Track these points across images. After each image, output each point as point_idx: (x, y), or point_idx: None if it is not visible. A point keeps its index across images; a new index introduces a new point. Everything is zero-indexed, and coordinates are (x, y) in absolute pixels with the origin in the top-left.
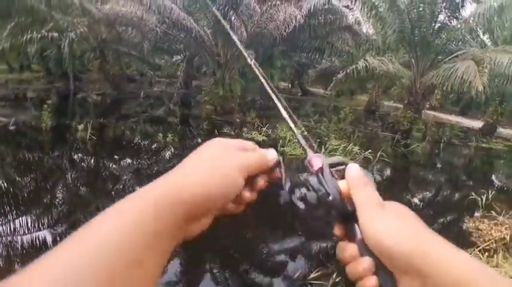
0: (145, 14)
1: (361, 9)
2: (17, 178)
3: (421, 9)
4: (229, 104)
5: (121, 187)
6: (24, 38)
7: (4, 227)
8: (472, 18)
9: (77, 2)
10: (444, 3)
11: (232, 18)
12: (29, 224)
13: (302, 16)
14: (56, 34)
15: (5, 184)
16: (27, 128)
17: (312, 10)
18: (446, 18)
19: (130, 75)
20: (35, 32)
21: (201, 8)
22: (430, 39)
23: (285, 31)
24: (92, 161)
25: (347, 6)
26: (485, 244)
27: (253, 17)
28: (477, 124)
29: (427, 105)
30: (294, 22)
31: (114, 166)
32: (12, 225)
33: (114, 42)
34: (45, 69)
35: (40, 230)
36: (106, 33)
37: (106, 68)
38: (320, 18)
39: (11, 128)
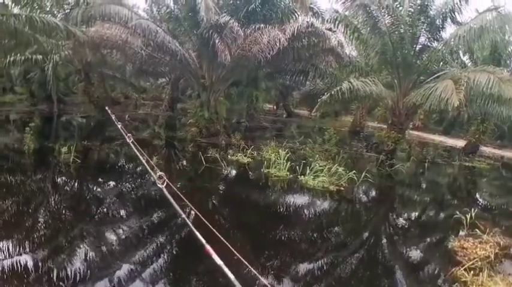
0: (130, 37)
1: (343, 31)
2: None
3: (402, 31)
4: (215, 126)
5: (105, 210)
6: (8, 60)
7: None
8: (452, 40)
9: (61, 25)
10: (424, 25)
11: (216, 41)
12: (10, 249)
13: (286, 39)
14: (40, 56)
15: None
16: (9, 150)
17: (295, 33)
18: (427, 40)
19: (115, 97)
20: (18, 55)
21: (186, 31)
22: (411, 61)
23: (269, 54)
24: (76, 184)
25: (330, 29)
26: (471, 263)
27: (237, 40)
28: (460, 143)
29: (411, 126)
30: (278, 45)
31: (98, 189)
32: None
33: (99, 65)
34: (28, 92)
35: (21, 255)
36: (91, 56)
37: (91, 91)
38: (304, 40)
39: None
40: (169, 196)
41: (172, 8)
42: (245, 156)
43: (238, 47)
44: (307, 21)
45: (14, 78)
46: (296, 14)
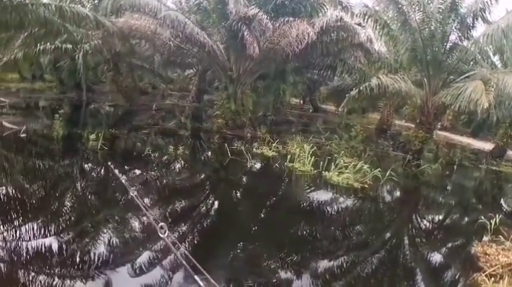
0: (159, 28)
1: (373, 27)
2: (26, 185)
3: (432, 28)
4: (241, 118)
5: (129, 197)
6: (38, 48)
7: (10, 232)
8: (481, 39)
9: (91, 15)
10: (455, 23)
11: (245, 33)
12: (35, 231)
13: (314, 33)
14: (69, 46)
15: (14, 190)
16: (38, 136)
17: (324, 27)
18: (458, 38)
19: (143, 87)
20: (48, 43)
21: (214, 23)
22: (441, 59)
23: (297, 47)
24: (102, 170)
25: (359, 24)
26: (492, 269)
27: (266, 33)
28: (488, 146)
29: (439, 126)
30: (306, 39)
31: (123, 176)
32: (18, 231)
33: (128, 55)
34: (58, 80)
35: (46, 237)
36: (120, 46)
37: (119, 80)
38: (332, 35)
39: (22, 135)
40: None
41: (201, 0)
42: (270, 149)
43: (266, 40)
44: (337, 16)
45: (43, 66)
46: (325, 8)
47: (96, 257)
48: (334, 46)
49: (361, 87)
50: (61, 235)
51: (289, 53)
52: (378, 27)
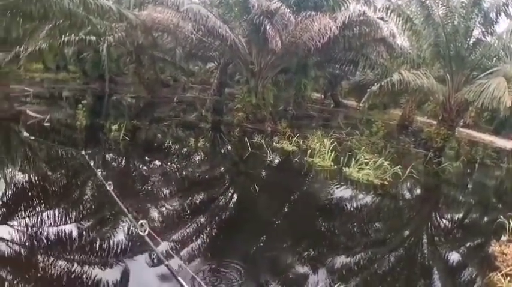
0: (182, 21)
1: (396, 21)
2: (49, 173)
3: (456, 23)
4: (261, 112)
5: (149, 188)
6: (62, 40)
7: (32, 218)
8: (504, 35)
9: (115, 8)
10: (478, 18)
11: (267, 27)
12: (56, 217)
13: (337, 27)
14: (93, 38)
15: (37, 177)
16: (61, 125)
17: (346, 21)
18: (481, 33)
19: (165, 80)
20: (72, 35)
21: (237, 17)
22: (465, 55)
23: (319, 42)
24: (123, 161)
25: (382, 18)
26: (509, 269)
27: (288, 27)
28: (510, 145)
29: (461, 123)
30: (328, 33)
31: (144, 167)
32: (40, 217)
33: (150, 48)
34: (81, 71)
35: (67, 223)
36: (142, 38)
37: (141, 72)
38: (355, 29)
39: (46, 124)
40: None
41: None
42: (290, 144)
43: (288, 34)
44: (359, 10)
45: (67, 57)
46: (347, 2)
47: (115, 246)
48: (357, 41)
49: (382, 83)
50: (79, 222)
51: (311, 48)
52: (400, 21)
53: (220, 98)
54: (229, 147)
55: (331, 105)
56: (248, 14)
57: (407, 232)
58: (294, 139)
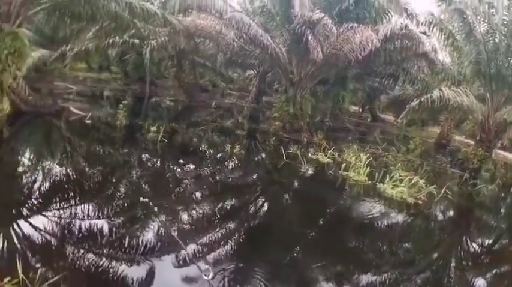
0: (224, 29)
1: (438, 36)
2: (86, 168)
3: (497, 40)
4: (298, 122)
5: (181, 190)
6: (107, 41)
7: (66, 210)
8: None
9: (159, 13)
10: None
11: (309, 37)
12: (89, 212)
13: (378, 40)
14: (137, 41)
15: (73, 172)
16: (101, 123)
17: (388, 34)
18: None
19: (204, 85)
20: (117, 37)
21: (278, 26)
22: (505, 74)
23: (360, 54)
24: (159, 162)
25: (424, 33)
26: None
27: (329, 38)
28: None
29: (499, 144)
30: (369, 46)
31: (178, 169)
32: (73, 210)
33: (191, 53)
34: (123, 72)
35: (98, 218)
36: (184, 43)
37: (181, 77)
38: (396, 43)
39: (87, 121)
40: None
41: (266, 2)
42: (325, 156)
43: (329, 45)
44: (401, 23)
45: (110, 58)
46: (390, 15)
47: (143, 243)
48: (398, 55)
49: (422, 99)
50: (111, 218)
51: (352, 60)
52: (442, 36)
53: (257, 106)
54: (264, 155)
55: (369, 119)
56: (290, 23)
57: (436, 255)
58: (329, 151)
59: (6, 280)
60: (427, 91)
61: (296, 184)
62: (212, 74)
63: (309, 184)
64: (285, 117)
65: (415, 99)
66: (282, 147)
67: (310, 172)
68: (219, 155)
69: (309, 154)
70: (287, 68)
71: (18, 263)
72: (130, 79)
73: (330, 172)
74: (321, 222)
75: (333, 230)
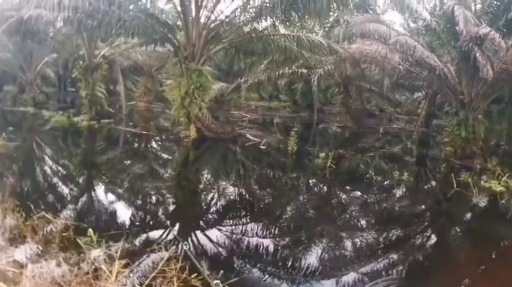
0: (389, 53)
1: None
2: (259, 190)
3: None
4: (471, 147)
5: (347, 216)
6: (277, 72)
7: (237, 227)
8: None
9: (325, 42)
10: None
11: (477, 54)
12: (258, 231)
13: None
14: (304, 70)
15: (246, 193)
16: (274, 149)
17: None
18: None
19: (371, 110)
20: (286, 68)
21: (444, 44)
22: None
23: None
24: (326, 187)
25: None
26: None
27: (499, 52)
28: None
29: None
30: None
31: (345, 195)
32: (243, 228)
33: (357, 79)
34: (291, 100)
35: (265, 237)
36: (350, 70)
37: (348, 103)
38: None
39: (262, 147)
40: None
41: (429, 20)
42: (498, 184)
43: (499, 60)
44: None
45: (280, 87)
46: None
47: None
48: None
49: None
50: (277, 238)
51: None
52: None
53: (427, 130)
54: (433, 183)
55: None
56: (456, 40)
57: None
58: (503, 179)
59: (193, 275)
60: None
61: (466, 215)
62: (378, 98)
63: (479, 216)
64: (456, 141)
65: None
66: (452, 174)
67: (481, 202)
68: (386, 182)
69: (482, 182)
70: (456, 88)
71: (201, 264)
72: (299, 107)
73: (503, 202)
74: (493, 265)
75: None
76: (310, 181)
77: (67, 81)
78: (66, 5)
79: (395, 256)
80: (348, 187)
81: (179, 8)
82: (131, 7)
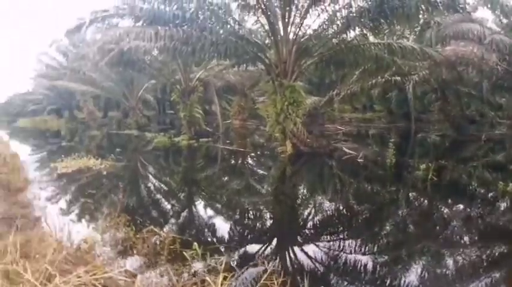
0: (486, 53)
1: None
2: (356, 205)
3: None
4: None
5: (450, 232)
6: (370, 82)
7: (335, 243)
8: None
9: (417, 47)
10: None
11: None
12: (355, 247)
13: None
14: (398, 78)
15: (344, 208)
16: (372, 162)
17: None
18: None
19: (470, 116)
20: (379, 77)
21: None
22: None
23: None
24: (427, 201)
25: None
26: None
27: None
28: None
29: None
30: None
31: (446, 209)
32: (341, 243)
33: (455, 83)
34: (386, 110)
35: (364, 254)
36: (446, 74)
37: (446, 109)
38: None
39: (359, 160)
40: None
41: None
42: None
43: None
44: None
45: (373, 97)
46: None
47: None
48: None
49: None
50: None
51: None
52: None
53: None
54: None
55: None
56: None
57: None
58: None
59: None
60: None
61: None
62: (478, 102)
63: None
64: None
65: None
66: None
67: None
68: (490, 194)
69: None
70: None
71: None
72: (394, 116)
73: None
74: None
75: None
76: (410, 194)
77: (166, 105)
78: (162, 34)
79: (499, 276)
80: (450, 201)
81: (267, 27)
82: (221, 31)
